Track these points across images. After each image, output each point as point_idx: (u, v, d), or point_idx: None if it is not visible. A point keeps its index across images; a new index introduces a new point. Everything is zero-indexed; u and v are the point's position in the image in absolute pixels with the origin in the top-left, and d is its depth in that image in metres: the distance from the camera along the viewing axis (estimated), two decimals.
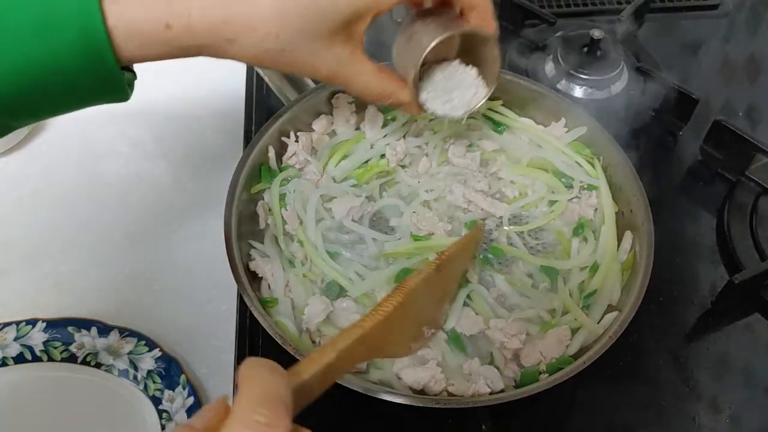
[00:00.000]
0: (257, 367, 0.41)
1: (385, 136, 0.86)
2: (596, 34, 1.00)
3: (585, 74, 1.00)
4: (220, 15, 0.55)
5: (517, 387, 0.69)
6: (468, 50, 0.71)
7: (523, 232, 0.80)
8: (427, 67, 0.70)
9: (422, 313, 0.67)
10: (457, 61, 0.72)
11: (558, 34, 1.06)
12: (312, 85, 0.85)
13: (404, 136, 0.87)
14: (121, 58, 0.54)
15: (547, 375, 0.68)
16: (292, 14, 0.56)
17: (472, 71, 0.73)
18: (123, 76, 0.56)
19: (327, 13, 0.57)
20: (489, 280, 0.76)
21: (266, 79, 0.85)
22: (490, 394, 0.67)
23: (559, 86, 1.01)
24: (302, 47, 0.58)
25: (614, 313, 0.72)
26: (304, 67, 0.60)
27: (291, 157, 0.84)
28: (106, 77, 0.54)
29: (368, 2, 0.59)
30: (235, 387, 0.41)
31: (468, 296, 0.74)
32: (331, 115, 0.87)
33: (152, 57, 0.56)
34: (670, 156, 0.97)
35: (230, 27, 0.56)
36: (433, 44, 0.64)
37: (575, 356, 0.70)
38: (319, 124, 0.86)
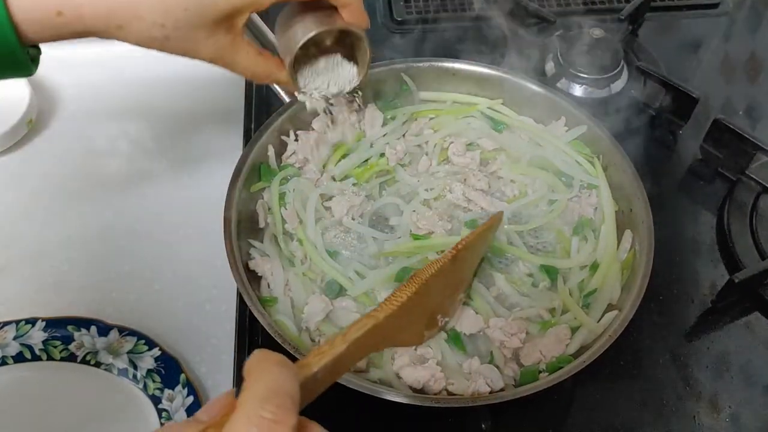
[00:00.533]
0: (265, 360, 0.41)
1: (384, 135, 0.86)
2: (596, 33, 1.00)
3: (585, 73, 1.00)
4: (108, 4, 0.59)
5: (516, 386, 0.69)
6: (344, 39, 0.73)
7: (522, 231, 0.80)
8: (310, 51, 0.73)
9: (436, 301, 0.67)
10: (338, 56, 0.74)
11: (558, 33, 1.06)
12: None
13: (404, 135, 0.87)
14: (23, 39, 0.58)
15: (547, 374, 0.68)
16: (175, 8, 0.60)
17: (350, 66, 0.75)
18: (26, 55, 0.60)
19: (207, 8, 0.61)
20: (489, 279, 0.76)
21: None
22: (490, 393, 0.67)
23: (559, 85, 1.01)
24: (185, 36, 0.62)
25: (614, 312, 0.72)
26: (187, 52, 0.65)
27: (291, 156, 0.84)
28: (9, 56, 0.59)
29: (245, 0, 0.62)
30: (240, 381, 0.40)
31: (468, 295, 0.74)
32: (332, 114, 0.87)
33: (48, 39, 0.60)
34: (670, 155, 0.97)
35: (119, 15, 0.59)
36: (304, 39, 0.68)
37: (575, 355, 0.70)
38: (319, 123, 0.85)
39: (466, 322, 0.72)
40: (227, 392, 0.42)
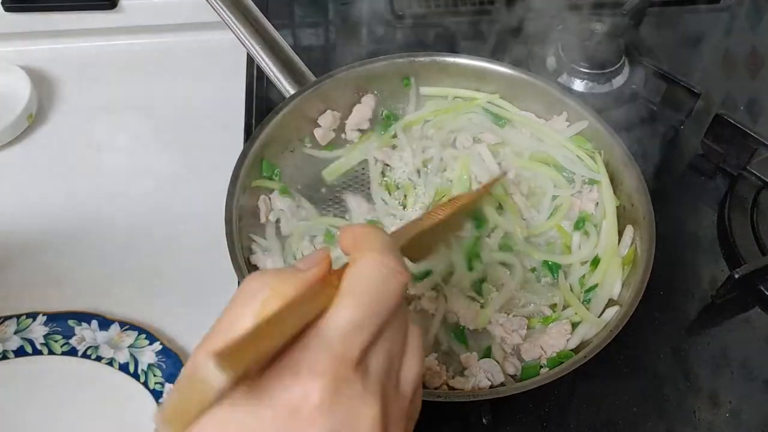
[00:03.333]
0: (373, 230, 0.43)
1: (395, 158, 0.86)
2: (598, 27, 1.00)
3: (586, 68, 1.00)
4: None
5: (518, 381, 0.69)
6: None
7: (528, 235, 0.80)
8: None
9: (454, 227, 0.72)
10: None
11: (559, 27, 1.06)
12: (312, 78, 0.85)
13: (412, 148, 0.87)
14: None
15: (547, 369, 0.68)
16: None
17: None
18: None
19: None
20: (495, 276, 0.76)
21: (266, 71, 0.85)
22: (491, 387, 0.67)
23: (560, 80, 1.00)
24: None
25: (615, 308, 0.72)
26: None
27: None
28: None
29: None
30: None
31: (478, 290, 0.75)
32: (338, 111, 0.87)
33: None
34: (671, 150, 0.97)
35: None
36: None
37: (576, 350, 0.70)
38: (325, 120, 0.85)
39: (470, 317, 0.72)
40: (322, 250, 0.43)
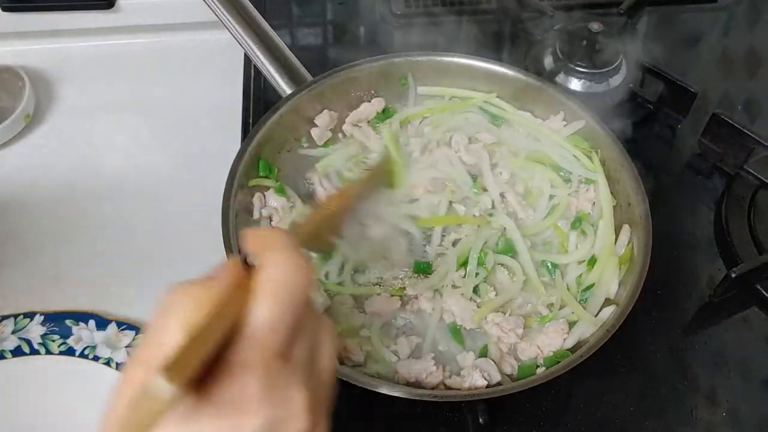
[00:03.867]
0: (272, 229, 0.47)
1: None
2: (595, 27, 1.00)
3: (584, 67, 1.00)
4: None
5: (514, 380, 0.69)
6: None
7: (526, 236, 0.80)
8: None
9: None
10: None
11: (557, 27, 1.06)
12: (309, 78, 0.85)
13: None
14: None
15: (544, 368, 0.68)
16: None
17: None
18: None
19: None
20: (491, 275, 0.76)
21: (263, 71, 0.85)
22: (487, 386, 0.67)
23: (557, 79, 1.00)
24: None
25: (612, 307, 0.72)
26: None
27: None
28: None
29: None
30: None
31: (475, 290, 0.75)
32: (335, 111, 0.87)
33: None
34: (669, 149, 0.97)
35: None
36: None
37: (573, 350, 0.70)
38: (322, 119, 0.85)
39: (467, 316, 0.72)
40: (231, 259, 0.44)
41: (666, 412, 0.74)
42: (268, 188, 0.81)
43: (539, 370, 0.68)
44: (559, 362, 0.66)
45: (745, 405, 0.75)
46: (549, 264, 0.77)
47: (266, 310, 0.40)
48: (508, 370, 0.70)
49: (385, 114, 0.89)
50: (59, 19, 1.06)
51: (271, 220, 0.80)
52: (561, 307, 0.74)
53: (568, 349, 0.70)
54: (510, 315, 0.72)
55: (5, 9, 1.03)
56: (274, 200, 0.80)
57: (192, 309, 0.40)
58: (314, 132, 0.86)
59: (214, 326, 0.39)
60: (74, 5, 1.05)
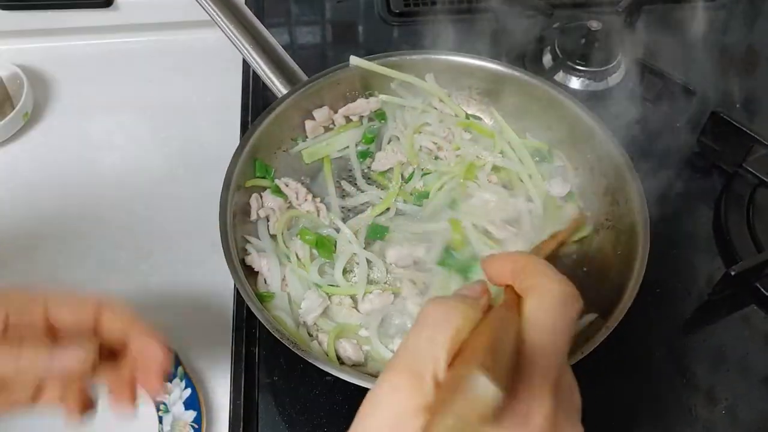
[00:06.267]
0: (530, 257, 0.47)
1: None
2: (594, 25, 1.00)
3: (582, 66, 1.00)
4: None
5: None
6: None
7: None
8: None
9: None
10: None
11: (555, 25, 1.06)
12: (304, 77, 0.85)
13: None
14: None
15: None
16: None
17: None
18: None
19: None
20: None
21: (258, 71, 0.85)
22: None
23: (556, 78, 1.00)
24: None
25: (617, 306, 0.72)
26: None
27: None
28: None
29: None
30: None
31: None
32: (334, 110, 0.87)
33: None
34: (667, 148, 0.97)
35: None
36: None
37: (571, 348, 0.70)
38: (320, 113, 0.86)
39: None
40: (480, 282, 0.46)
41: (665, 410, 0.74)
42: (265, 188, 0.81)
43: None
44: None
45: (744, 403, 0.75)
46: None
47: (548, 334, 0.40)
48: None
49: (378, 116, 0.89)
50: (57, 18, 1.06)
51: (268, 221, 0.80)
52: None
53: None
54: None
55: (3, 7, 1.03)
56: (270, 201, 0.80)
57: (461, 325, 0.40)
58: (308, 125, 0.86)
59: (506, 335, 0.38)
60: (73, 4, 1.05)
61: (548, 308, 0.41)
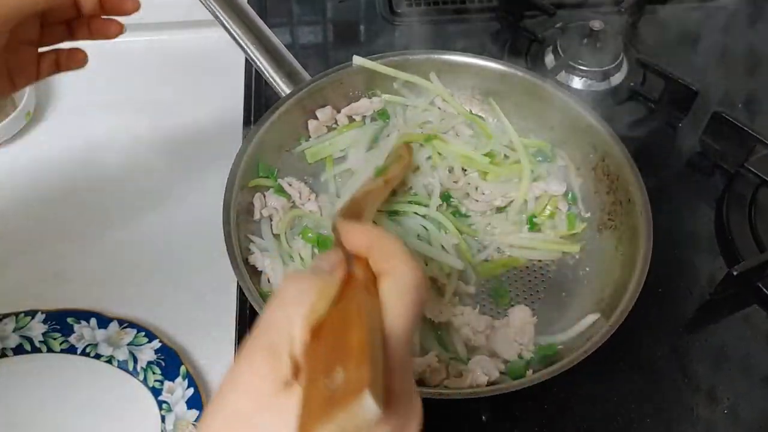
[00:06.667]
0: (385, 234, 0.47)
1: None
2: (596, 25, 1.00)
3: (584, 65, 1.00)
4: None
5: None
6: None
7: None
8: None
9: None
10: None
11: (558, 25, 1.06)
12: (308, 77, 0.85)
13: None
14: None
15: (539, 365, 0.69)
16: None
17: None
18: None
19: None
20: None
21: (261, 71, 0.85)
22: (488, 384, 0.67)
23: (559, 78, 1.00)
24: None
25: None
26: None
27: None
28: None
29: None
30: None
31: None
32: (337, 110, 0.87)
33: None
34: (670, 147, 0.97)
35: None
36: None
37: (572, 348, 0.70)
38: (323, 113, 0.86)
39: (436, 310, 0.73)
40: (335, 252, 0.46)
41: (667, 409, 0.74)
42: (268, 188, 0.81)
43: (529, 373, 0.69)
44: (549, 356, 0.67)
45: (746, 403, 0.75)
46: None
47: (402, 320, 0.41)
48: (502, 368, 0.70)
49: (381, 115, 0.89)
50: None
51: (271, 220, 0.80)
52: None
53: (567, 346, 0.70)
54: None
55: None
56: (274, 200, 0.81)
57: (316, 302, 0.41)
58: (311, 124, 0.86)
59: (377, 335, 0.39)
60: None
61: (402, 294, 0.42)
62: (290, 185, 0.82)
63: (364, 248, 0.45)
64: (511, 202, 0.83)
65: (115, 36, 0.69)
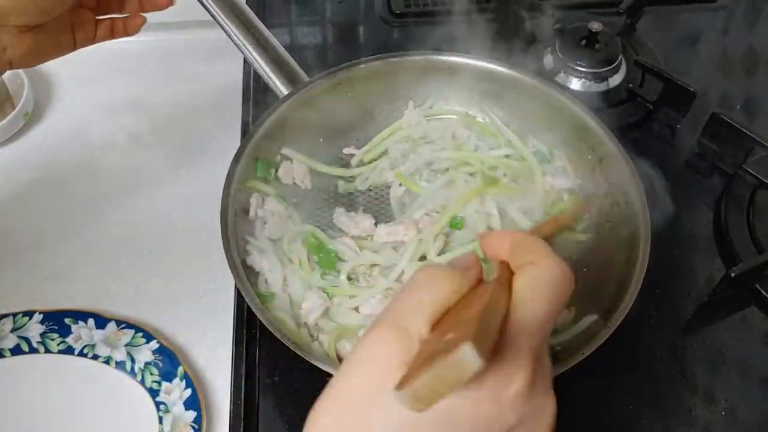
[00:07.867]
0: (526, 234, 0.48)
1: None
2: (595, 26, 1.00)
3: (583, 67, 1.00)
4: None
5: None
6: None
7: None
8: None
9: None
10: None
11: (556, 26, 1.06)
12: (306, 78, 0.85)
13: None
14: None
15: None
16: None
17: None
18: None
19: None
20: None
21: (259, 71, 0.85)
22: None
23: (557, 79, 1.01)
24: None
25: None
26: None
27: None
28: None
29: None
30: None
31: None
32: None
33: None
34: (668, 149, 0.97)
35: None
36: None
37: (571, 348, 0.70)
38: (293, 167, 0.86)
39: None
40: (471, 254, 0.48)
41: (664, 410, 0.74)
42: (268, 194, 0.81)
43: None
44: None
45: (744, 404, 0.75)
46: None
47: (540, 310, 0.41)
48: None
49: None
50: None
51: (265, 223, 0.80)
52: None
53: (565, 347, 0.70)
54: None
55: None
56: (273, 205, 0.80)
57: (447, 292, 0.41)
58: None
59: (496, 312, 0.39)
60: None
61: (539, 285, 0.42)
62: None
63: (506, 250, 0.45)
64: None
65: (166, 7, 0.78)
